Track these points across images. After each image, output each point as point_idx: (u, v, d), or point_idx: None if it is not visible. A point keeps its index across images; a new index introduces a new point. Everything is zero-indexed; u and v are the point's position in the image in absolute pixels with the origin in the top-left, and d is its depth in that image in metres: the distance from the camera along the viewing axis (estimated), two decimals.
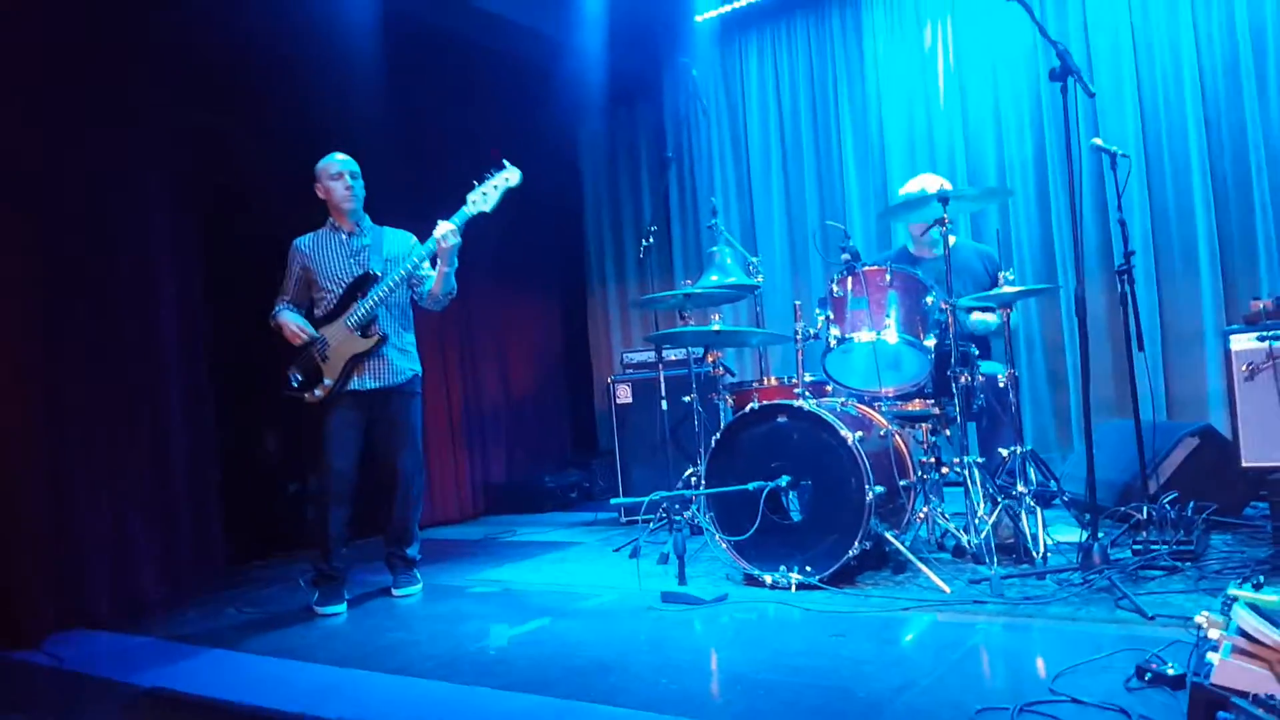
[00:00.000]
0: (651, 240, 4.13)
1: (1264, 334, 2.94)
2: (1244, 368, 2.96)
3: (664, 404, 4.17)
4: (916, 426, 3.62)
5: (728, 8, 6.00)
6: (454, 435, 5.58)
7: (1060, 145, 4.76)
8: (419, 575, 3.62)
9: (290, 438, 4.79)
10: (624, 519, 4.73)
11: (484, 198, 3.42)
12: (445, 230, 3.38)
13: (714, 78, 6.19)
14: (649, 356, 4.85)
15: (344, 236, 3.53)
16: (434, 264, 3.50)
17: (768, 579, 3.12)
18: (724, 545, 3.23)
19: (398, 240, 3.60)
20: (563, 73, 5.91)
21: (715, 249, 4.05)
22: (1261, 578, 2.53)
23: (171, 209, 4.04)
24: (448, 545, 4.70)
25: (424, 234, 3.49)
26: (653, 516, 4.04)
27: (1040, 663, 2.21)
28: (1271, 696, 1.57)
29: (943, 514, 3.44)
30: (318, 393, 3.42)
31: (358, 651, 2.84)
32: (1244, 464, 2.98)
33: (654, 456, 4.54)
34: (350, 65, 4.66)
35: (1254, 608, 1.71)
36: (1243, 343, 2.98)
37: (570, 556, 4.10)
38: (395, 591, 3.55)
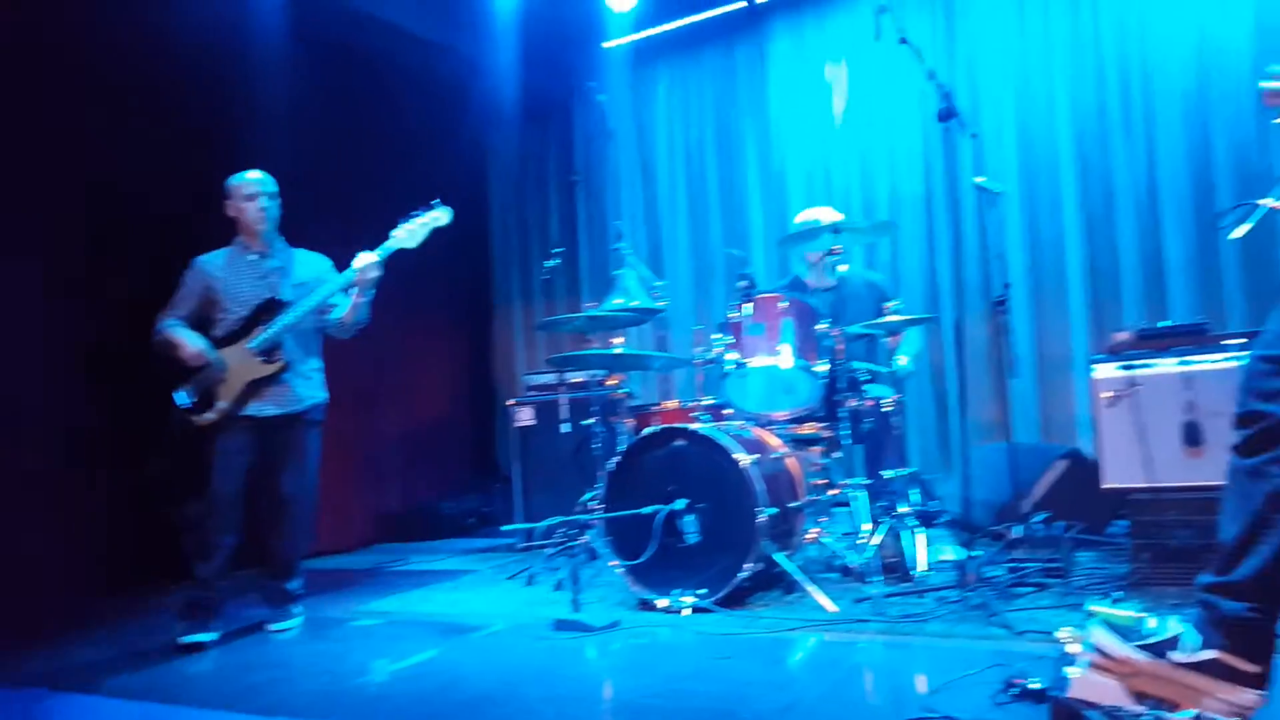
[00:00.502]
0: (557, 261, 4.14)
1: (1124, 364, 3.14)
2: (1106, 395, 3.16)
3: (566, 427, 4.18)
4: (808, 449, 3.73)
5: (637, 36, 6.11)
6: (347, 461, 5.44)
7: (946, 182, 5.00)
8: (298, 609, 3.46)
9: (173, 460, 4.59)
10: (522, 545, 4.69)
11: (409, 234, 3.38)
12: (367, 262, 3.30)
13: (623, 103, 6.28)
14: (551, 379, 4.86)
15: (254, 257, 3.41)
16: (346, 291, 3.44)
17: (661, 603, 3.14)
18: (619, 570, 3.25)
19: (311, 264, 3.50)
20: (473, 90, 5.90)
21: (620, 272, 4.09)
22: (1119, 593, 2.71)
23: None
24: (334, 576, 4.55)
25: (336, 254, 3.41)
26: (550, 542, 4.03)
27: (917, 679, 2.30)
28: (1118, 709, 1.68)
29: (831, 535, 3.55)
30: (210, 415, 3.27)
31: (225, 691, 2.69)
32: (1105, 485, 3.17)
33: (555, 480, 4.53)
34: (253, 78, 4.55)
35: (1107, 623, 1.82)
36: (1105, 371, 3.18)
37: (463, 585, 4.04)
38: (271, 627, 3.37)
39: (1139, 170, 4.75)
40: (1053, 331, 4.94)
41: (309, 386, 3.45)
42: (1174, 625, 2.10)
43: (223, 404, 3.27)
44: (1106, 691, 1.74)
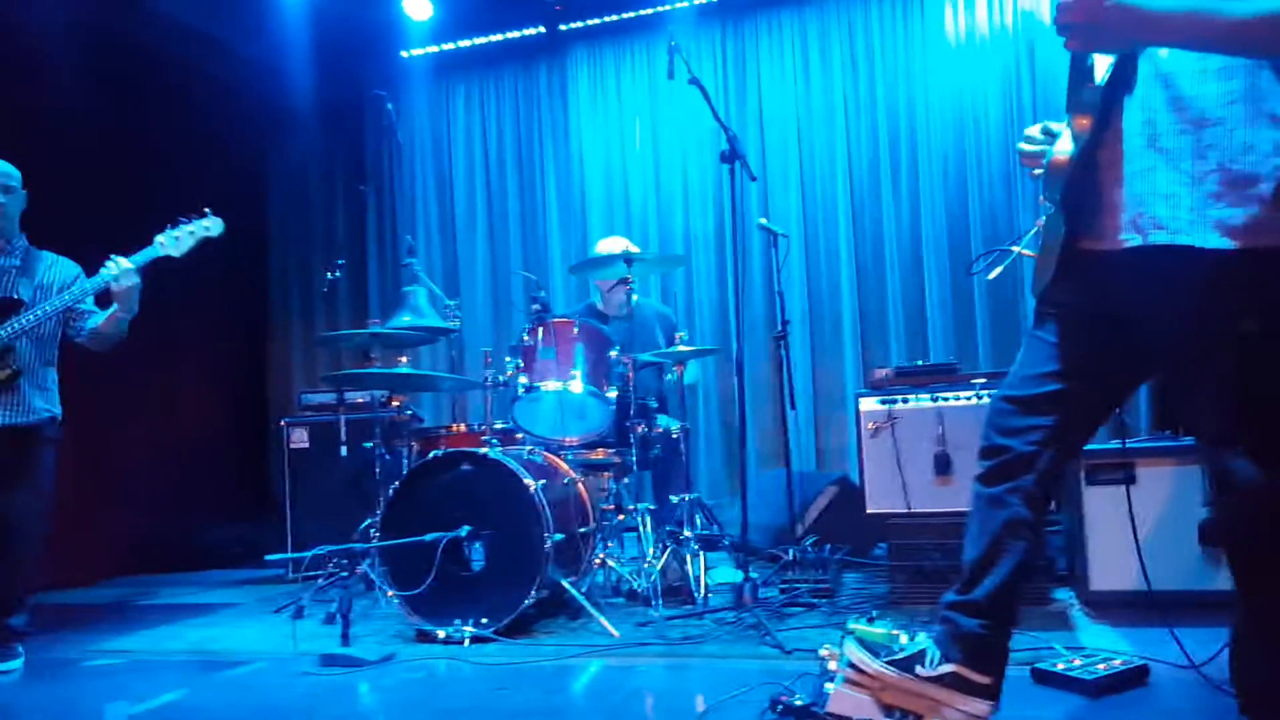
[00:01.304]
0: (338, 274, 3.94)
1: (885, 398, 3.40)
2: (869, 426, 3.40)
3: (344, 450, 3.96)
4: (599, 474, 3.75)
5: (436, 48, 5.99)
6: (90, 484, 4.85)
7: (735, 222, 5.23)
8: (20, 649, 3.04)
9: None
10: (292, 576, 4.38)
11: (175, 242, 3.09)
12: (120, 269, 2.99)
13: (421, 116, 6.14)
14: (330, 398, 4.59)
15: None
16: (101, 300, 3.08)
17: (441, 634, 3.02)
18: (396, 601, 3.10)
19: (57, 268, 3.16)
20: (258, 92, 5.54)
21: (410, 289, 3.95)
22: (876, 611, 2.88)
23: None
24: (69, 611, 4.04)
25: (95, 260, 3.06)
26: (323, 572, 3.78)
27: (690, 699, 2.33)
28: None
29: (619, 559, 3.58)
30: None
31: None
32: (869, 510, 3.40)
33: (330, 507, 4.26)
34: (10, 61, 4.04)
35: (861, 640, 1.93)
36: (869, 405, 3.42)
37: (221, 619, 3.71)
38: None
39: (904, 222, 5.21)
40: (828, 366, 5.30)
41: (44, 399, 3.08)
42: (923, 640, 2.27)
43: None
44: (860, 705, 1.83)
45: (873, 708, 1.82)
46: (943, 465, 3.30)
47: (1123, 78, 1.58)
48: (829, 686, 1.90)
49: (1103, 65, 1.60)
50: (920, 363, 3.66)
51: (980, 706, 1.79)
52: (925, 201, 5.16)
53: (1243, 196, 1.45)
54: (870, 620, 2.34)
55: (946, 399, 3.33)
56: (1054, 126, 1.75)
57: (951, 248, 5.10)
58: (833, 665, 2.01)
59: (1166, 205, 1.51)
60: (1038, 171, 1.77)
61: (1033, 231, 3.02)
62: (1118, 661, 2.29)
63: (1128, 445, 3.17)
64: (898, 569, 3.32)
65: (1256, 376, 1.47)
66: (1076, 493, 3.10)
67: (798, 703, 2.10)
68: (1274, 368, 1.46)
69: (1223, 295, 1.47)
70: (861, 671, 1.85)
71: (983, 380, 3.35)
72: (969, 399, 3.31)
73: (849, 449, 5.05)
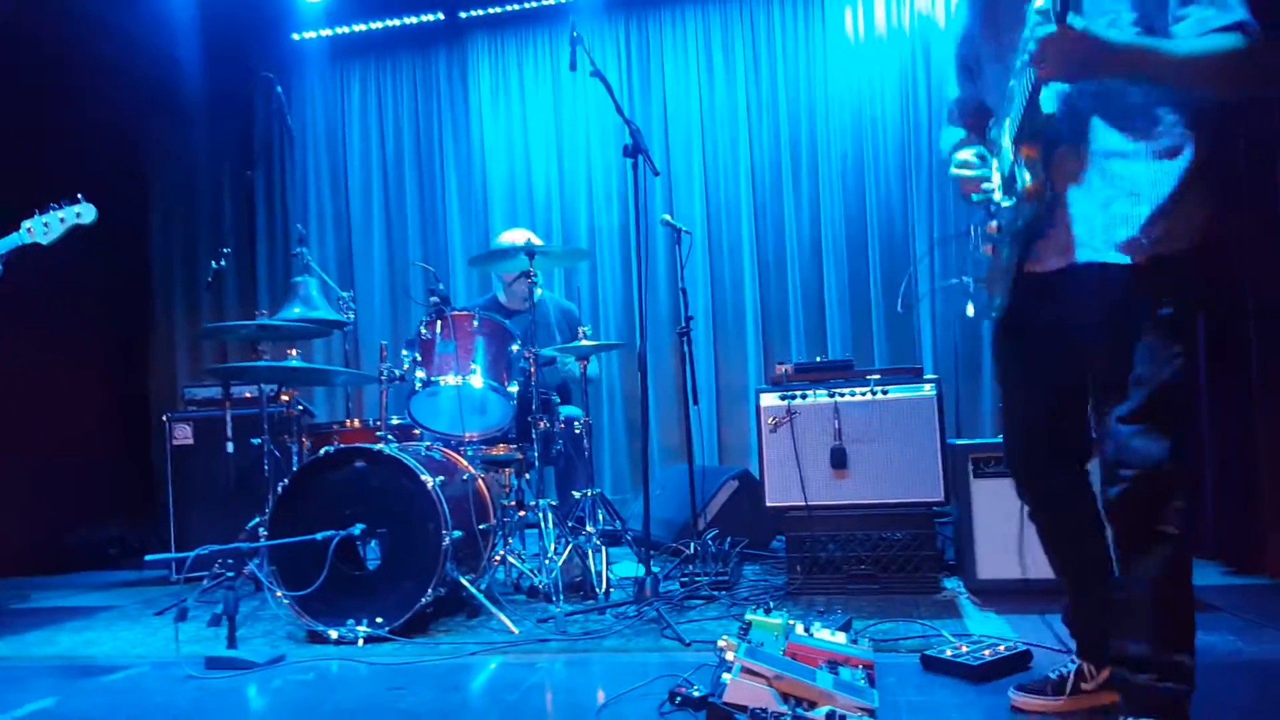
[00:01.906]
0: (223, 264, 3.75)
1: (784, 394, 3.45)
2: (769, 421, 3.45)
3: (230, 446, 3.78)
4: (500, 470, 3.69)
5: (330, 31, 5.79)
6: None
7: (639, 217, 5.25)
8: None
9: None
10: (176, 577, 4.17)
11: (44, 229, 2.89)
12: None
13: (314, 101, 5.94)
14: (215, 392, 4.38)
15: None
16: None
17: (333, 634, 2.92)
18: (286, 601, 2.98)
19: None
20: (136, 71, 5.23)
21: (301, 279, 3.81)
22: (773, 602, 2.93)
23: None
24: None
25: None
26: (208, 573, 3.61)
27: (590, 694, 2.32)
28: (764, 709, 1.79)
29: (520, 556, 3.53)
30: None
31: None
32: (768, 504, 3.45)
33: (216, 505, 4.07)
34: None
35: (745, 629, 1.97)
36: (769, 400, 3.48)
37: (98, 623, 3.50)
38: None
39: (805, 221, 5.31)
40: (731, 361, 5.36)
41: None
42: (817, 629, 2.32)
43: None
44: (756, 695, 1.85)
45: (769, 697, 1.84)
46: (838, 459, 3.38)
47: (1064, 111, 1.78)
48: (726, 677, 1.91)
49: (1046, 96, 1.78)
50: (819, 359, 3.73)
51: (869, 695, 1.83)
52: (825, 200, 5.27)
53: (1135, 219, 1.69)
54: (767, 611, 2.38)
55: (843, 394, 3.41)
56: (985, 153, 1.96)
57: (850, 246, 5.22)
58: (730, 656, 2.03)
59: (1085, 229, 1.75)
60: (976, 196, 1.95)
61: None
62: (1001, 647, 2.38)
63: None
64: (795, 560, 3.38)
65: (1147, 364, 1.70)
66: (965, 485, 3.22)
67: (696, 694, 2.11)
68: (1161, 356, 1.69)
69: (1126, 300, 1.71)
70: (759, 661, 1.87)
71: (877, 376, 3.44)
72: (864, 394, 3.40)
73: (751, 444, 5.13)
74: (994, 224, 1.94)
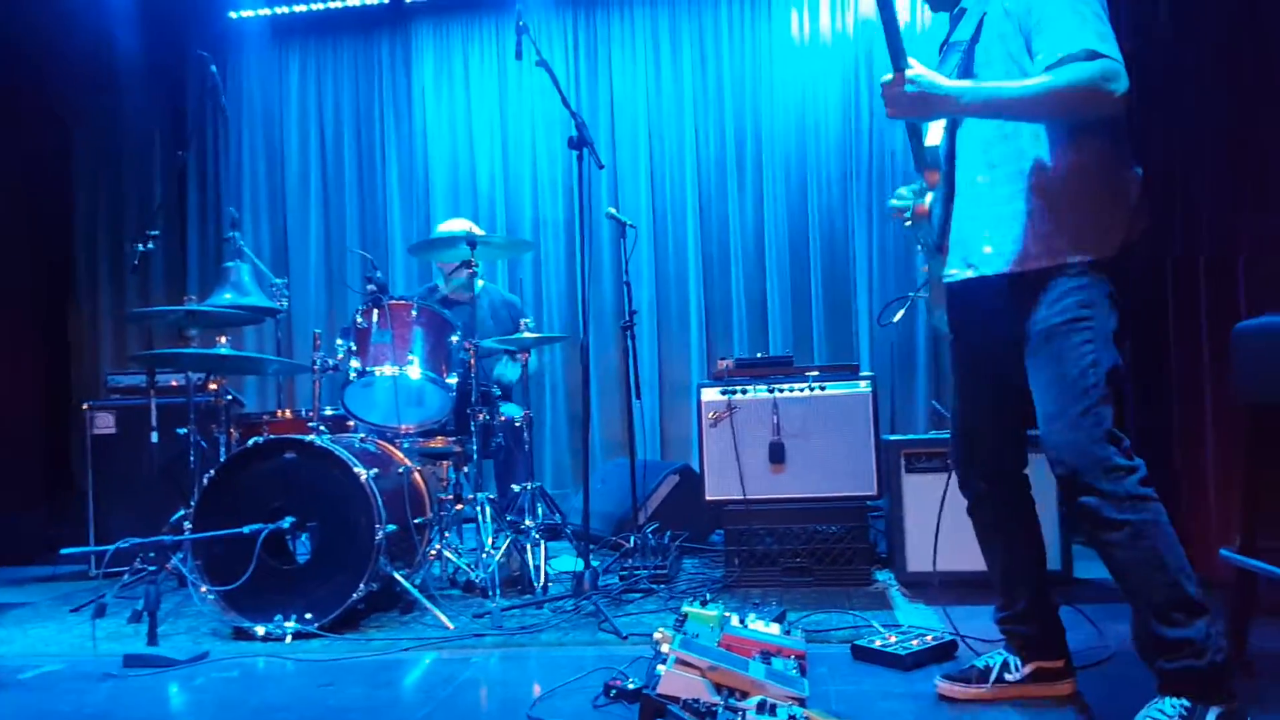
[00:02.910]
0: (151, 246, 3.62)
1: (725, 389, 3.47)
2: (710, 416, 3.47)
3: (155, 436, 3.65)
4: (437, 463, 3.64)
5: (268, 11, 5.64)
6: None
7: (584, 209, 5.23)
8: None
9: None
10: (95, 572, 4.01)
11: None
12: None
13: (251, 82, 5.78)
14: (140, 380, 4.23)
15: None
16: None
17: (260, 630, 2.85)
18: (211, 597, 2.90)
19: None
20: (62, 42, 5.02)
21: (232, 265, 3.69)
22: (710, 595, 2.94)
23: None
24: None
25: None
26: (129, 568, 3.49)
27: (525, 688, 2.30)
28: (697, 700, 1.80)
29: (457, 550, 3.49)
30: None
31: None
32: (708, 497, 3.47)
33: (140, 497, 3.92)
34: None
35: (681, 621, 1.98)
36: (710, 395, 3.50)
37: (8, 621, 3.35)
38: None
39: (749, 218, 5.35)
40: (675, 356, 5.37)
41: None
42: (752, 621, 2.33)
43: None
44: (690, 686, 1.86)
45: (703, 688, 1.85)
46: (776, 454, 3.41)
47: (951, 140, 1.97)
48: (661, 669, 1.91)
49: (936, 128, 2.01)
50: (760, 355, 3.76)
51: (802, 684, 1.85)
52: (769, 199, 5.31)
53: (1029, 232, 1.84)
54: (704, 603, 2.38)
55: (782, 390, 3.45)
56: (916, 189, 2.13)
57: (792, 245, 5.28)
58: (665, 648, 2.02)
59: (978, 244, 1.91)
60: (908, 223, 2.13)
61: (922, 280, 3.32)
62: (929, 638, 2.43)
63: (942, 435, 3.38)
64: (733, 553, 3.41)
65: (1055, 367, 1.82)
66: (897, 480, 3.28)
67: (630, 686, 2.12)
68: (1067, 358, 1.81)
69: (1013, 308, 1.86)
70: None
71: (816, 373, 3.48)
72: (802, 391, 3.43)
73: (692, 438, 5.14)
74: (919, 244, 2.13)
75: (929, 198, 2.07)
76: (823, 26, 5.30)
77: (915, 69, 1.81)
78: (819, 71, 5.28)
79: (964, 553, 3.04)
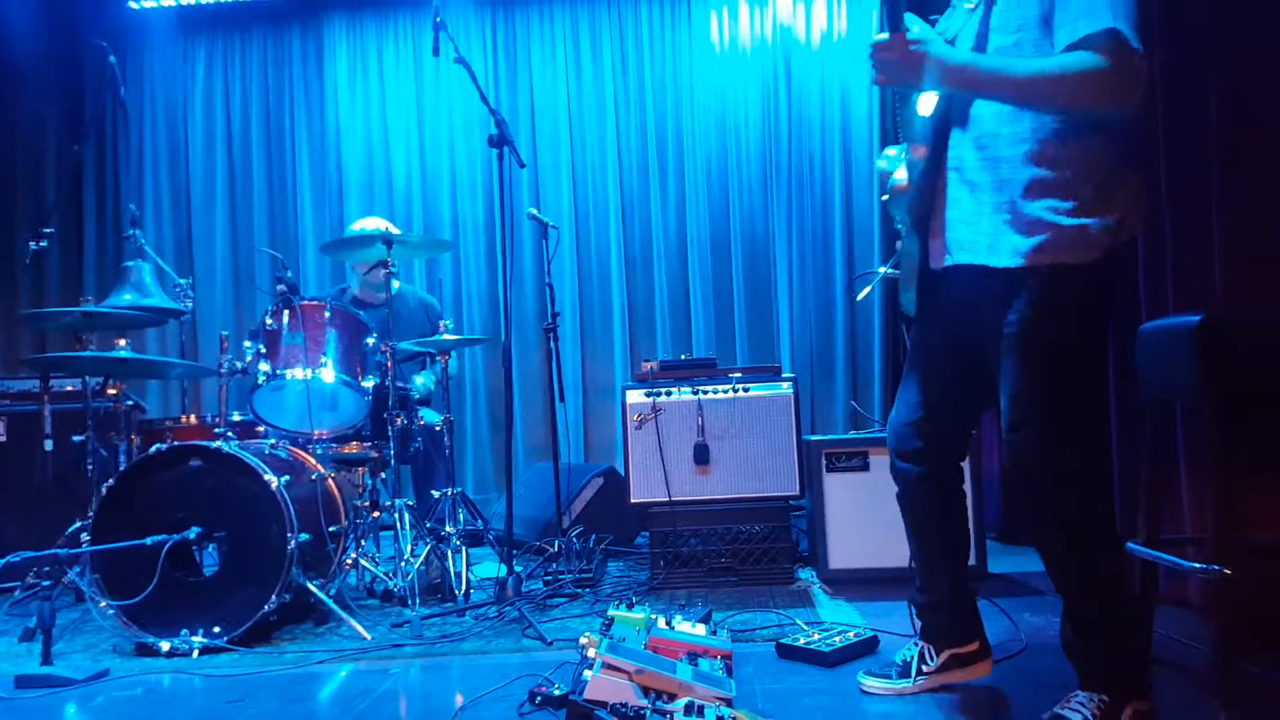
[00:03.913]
0: (44, 244, 3.41)
1: (649, 391, 3.46)
2: (635, 418, 3.45)
3: (49, 444, 3.44)
4: (353, 469, 3.53)
5: (172, 2, 5.42)
6: None
7: (505, 209, 5.16)
8: None
9: None
10: None
11: None
12: None
13: (153, 74, 5.55)
14: (33, 385, 3.98)
15: None
16: None
17: (165, 646, 2.71)
18: (111, 612, 2.75)
19: None
20: None
21: (133, 264, 3.52)
22: (635, 598, 2.92)
23: None
24: None
25: None
26: (21, 583, 3.28)
27: (447, 699, 2.24)
28: (624, 704, 1.77)
29: (374, 559, 3.39)
30: None
31: None
32: (633, 500, 3.45)
33: (33, 508, 3.70)
34: None
35: (607, 626, 1.95)
36: (634, 397, 3.48)
37: None
38: None
39: (671, 220, 5.37)
40: (598, 358, 5.35)
41: None
42: (678, 623, 2.32)
43: None
44: (618, 689, 1.83)
45: (630, 692, 1.82)
46: (701, 455, 3.42)
47: (944, 114, 1.80)
48: (587, 674, 1.88)
49: (927, 100, 1.82)
50: (684, 357, 3.77)
51: (729, 685, 1.85)
52: (691, 201, 5.34)
53: (1026, 225, 1.70)
54: (630, 606, 2.37)
55: (706, 392, 3.46)
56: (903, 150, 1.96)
57: (714, 247, 5.32)
58: (591, 653, 2.00)
59: (970, 230, 1.77)
60: (885, 197, 1.99)
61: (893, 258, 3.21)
62: (851, 634, 2.47)
63: (861, 435, 3.45)
64: (658, 555, 3.40)
65: (1027, 367, 1.73)
66: (818, 479, 3.32)
67: (556, 693, 2.08)
68: (1041, 359, 1.72)
69: (1010, 302, 1.73)
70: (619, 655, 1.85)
71: (739, 374, 3.50)
72: (726, 392, 3.45)
73: (616, 441, 5.13)
74: (895, 219, 2.01)
75: (901, 171, 1.93)
76: (742, 32, 5.36)
77: (915, 30, 1.67)
78: (739, 76, 5.34)
79: (884, 549, 3.12)
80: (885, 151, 2.06)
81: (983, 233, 1.75)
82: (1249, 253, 2.40)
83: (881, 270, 3.72)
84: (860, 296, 3.40)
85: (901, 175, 1.95)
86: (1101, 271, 1.70)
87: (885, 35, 1.68)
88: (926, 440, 2.03)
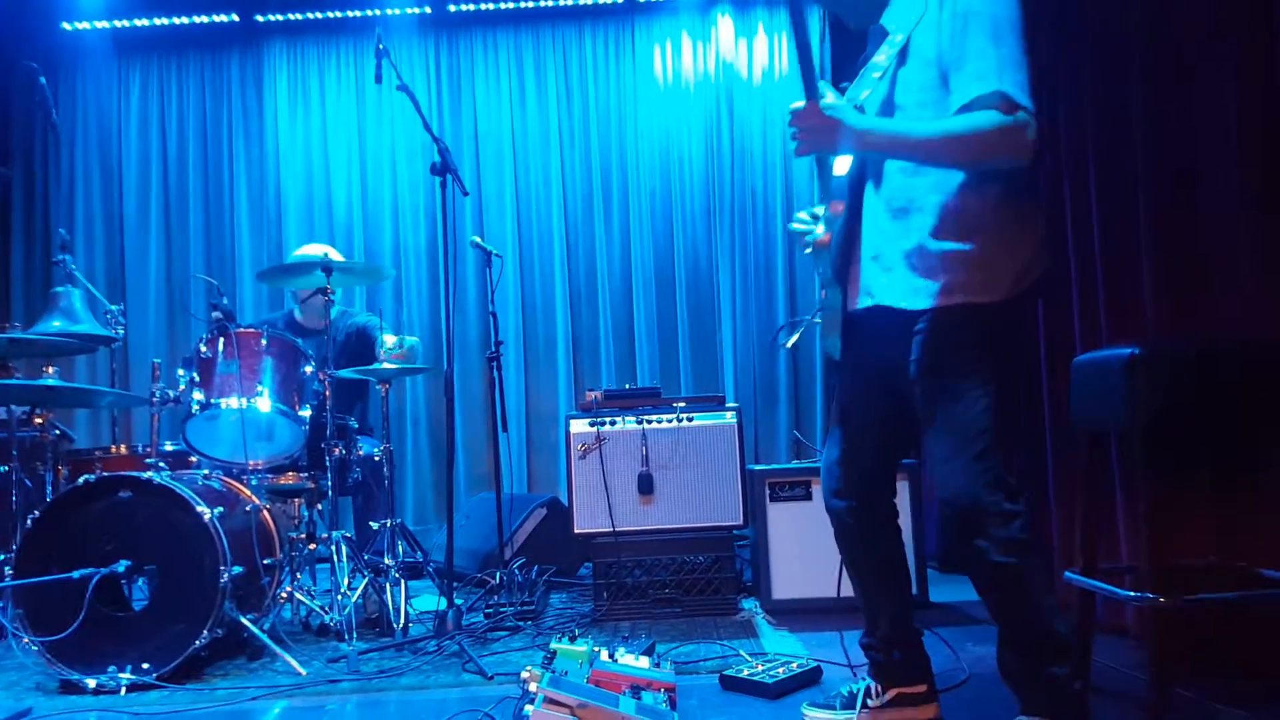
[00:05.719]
0: None
1: (594, 420, 3.47)
2: (579, 448, 3.45)
3: None
4: (289, 501, 3.45)
5: (106, 24, 5.31)
6: None
7: (448, 238, 5.15)
8: None
9: None
10: None
11: None
12: None
13: (87, 97, 5.41)
14: None
15: None
16: None
17: (91, 683, 2.61)
18: (34, 648, 2.63)
19: None
20: None
21: (62, 290, 3.41)
22: (578, 630, 2.91)
23: None
24: None
25: None
26: None
27: None
28: None
29: (310, 592, 3.31)
30: None
31: None
32: (576, 530, 3.43)
33: None
34: None
35: (549, 659, 1.93)
36: (579, 426, 3.48)
37: None
38: None
39: (615, 250, 5.39)
40: (542, 387, 5.32)
41: None
42: (622, 655, 2.31)
43: None
44: None
45: None
46: (645, 485, 3.42)
47: (859, 172, 1.94)
48: (528, 709, 1.86)
49: (843, 161, 1.94)
50: (628, 386, 3.78)
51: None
52: (635, 232, 5.38)
53: (935, 267, 1.80)
54: (572, 639, 2.35)
55: (650, 421, 3.47)
56: (818, 211, 2.08)
57: (658, 277, 5.35)
58: (533, 687, 1.98)
59: (885, 275, 1.87)
60: (808, 250, 2.07)
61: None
62: (795, 665, 2.48)
63: (804, 465, 3.49)
64: (602, 586, 3.38)
65: (946, 403, 1.81)
66: (762, 509, 3.35)
67: None
68: (941, 401, 1.81)
69: (924, 341, 1.82)
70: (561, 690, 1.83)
71: (683, 404, 3.53)
72: (670, 421, 3.47)
73: (560, 471, 5.09)
74: (818, 273, 2.08)
75: (820, 228, 2.03)
76: (685, 67, 5.45)
77: (829, 99, 1.78)
78: (682, 110, 5.41)
79: (827, 579, 3.14)
80: (797, 215, 2.15)
81: (897, 277, 1.85)
82: (1173, 285, 2.51)
83: (806, 319, 3.79)
84: (789, 344, 3.47)
85: (821, 230, 2.04)
86: (1010, 310, 1.79)
87: (802, 104, 1.79)
88: (858, 479, 2.08)
